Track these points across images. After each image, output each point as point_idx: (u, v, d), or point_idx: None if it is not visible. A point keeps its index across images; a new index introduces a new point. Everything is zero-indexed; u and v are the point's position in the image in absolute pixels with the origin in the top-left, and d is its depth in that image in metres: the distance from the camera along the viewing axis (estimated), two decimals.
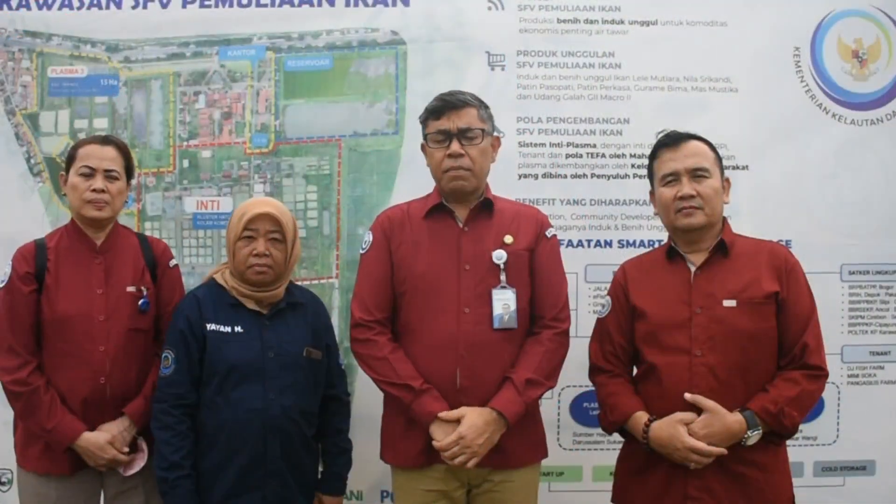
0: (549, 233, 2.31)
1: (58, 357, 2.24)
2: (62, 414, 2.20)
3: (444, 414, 2.12)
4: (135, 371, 2.30)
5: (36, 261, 2.27)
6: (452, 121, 2.20)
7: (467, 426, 2.10)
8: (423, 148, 2.32)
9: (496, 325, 2.18)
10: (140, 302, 2.32)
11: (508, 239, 2.24)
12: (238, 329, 2.22)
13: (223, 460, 2.17)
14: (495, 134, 2.32)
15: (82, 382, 2.23)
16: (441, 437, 2.12)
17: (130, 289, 2.31)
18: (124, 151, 2.35)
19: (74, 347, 2.23)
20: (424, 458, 2.19)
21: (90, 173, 2.27)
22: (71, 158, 2.31)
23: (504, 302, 2.19)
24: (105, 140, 2.34)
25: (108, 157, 2.29)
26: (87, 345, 2.23)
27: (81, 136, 2.78)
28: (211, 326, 2.21)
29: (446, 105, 2.22)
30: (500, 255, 2.21)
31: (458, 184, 2.22)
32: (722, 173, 2.16)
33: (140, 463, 2.27)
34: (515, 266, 2.22)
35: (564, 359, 2.27)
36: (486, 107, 2.29)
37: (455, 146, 2.19)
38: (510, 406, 2.13)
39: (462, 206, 2.27)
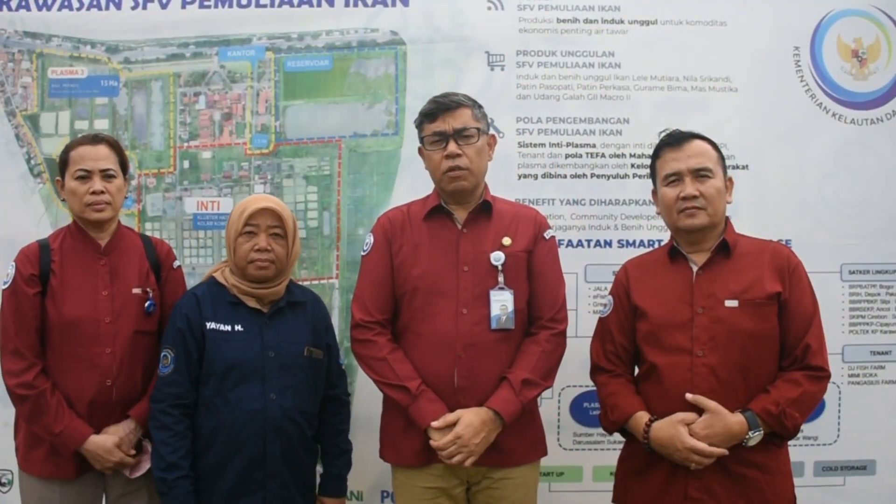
0: (548, 234, 2.32)
1: (64, 360, 2.23)
2: (69, 418, 2.19)
3: (436, 423, 2.13)
4: (140, 373, 2.29)
5: (40, 262, 2.25)
6: (447, 122, 2.21)
7: (464, 425, 2.12)
8: (420, 151, 2.32)
9: (494, 325, 2.19)
10: (146, 304, 2.31)
11: (507, 241, 2.25)
12: (238, 328, 2.22)
13: (222, 461, 2.16)
14: (490, 132, 2.33)
15: (89, 385, 2.22)
16: (438, 436, 2.13)
17: (136, 290, 2.31)
18: (116, 148, 2.33)
19: (81, 350, 2.22)
20: (424, 456, 2.20)
21: (86, 176, 2.25)
22: (64, 162, 2.29)
23: (502, 303, 2.20)
24: (95, 139, 2.32)
25: (101, 156, 2.27)
26: (94, 348, 2.23)
27: None
28: (210, 325, 2.21)
29: (440, 107, 2.23)
30: (498, 257, 2.22)
31: (457, 184, 2.22)
32: (725, 173, 2.16)
33: (146, 465, 2.27)
34: (513, 267, 2.23)
35: (561, 359, 2.28)
36: (480, 106, 2.30)
37: (452, 146, 2.20)
38: (507, 406, 2.15)
39: (461, 207, 2.28)
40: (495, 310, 2.20)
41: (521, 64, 2.88)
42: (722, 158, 2.16)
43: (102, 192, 2.25)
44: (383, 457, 2.33)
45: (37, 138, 2.87)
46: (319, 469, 2.38)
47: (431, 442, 2.14)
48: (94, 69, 2.87)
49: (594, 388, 2.30)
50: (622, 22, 2.89)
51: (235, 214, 2.27)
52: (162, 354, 2.23)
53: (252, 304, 2.25)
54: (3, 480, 2.82)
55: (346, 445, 2.39)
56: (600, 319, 2.29)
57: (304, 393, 2.25)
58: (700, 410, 2.02)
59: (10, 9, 2.87)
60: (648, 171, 2.30)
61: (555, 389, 2.70)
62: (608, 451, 2.70)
